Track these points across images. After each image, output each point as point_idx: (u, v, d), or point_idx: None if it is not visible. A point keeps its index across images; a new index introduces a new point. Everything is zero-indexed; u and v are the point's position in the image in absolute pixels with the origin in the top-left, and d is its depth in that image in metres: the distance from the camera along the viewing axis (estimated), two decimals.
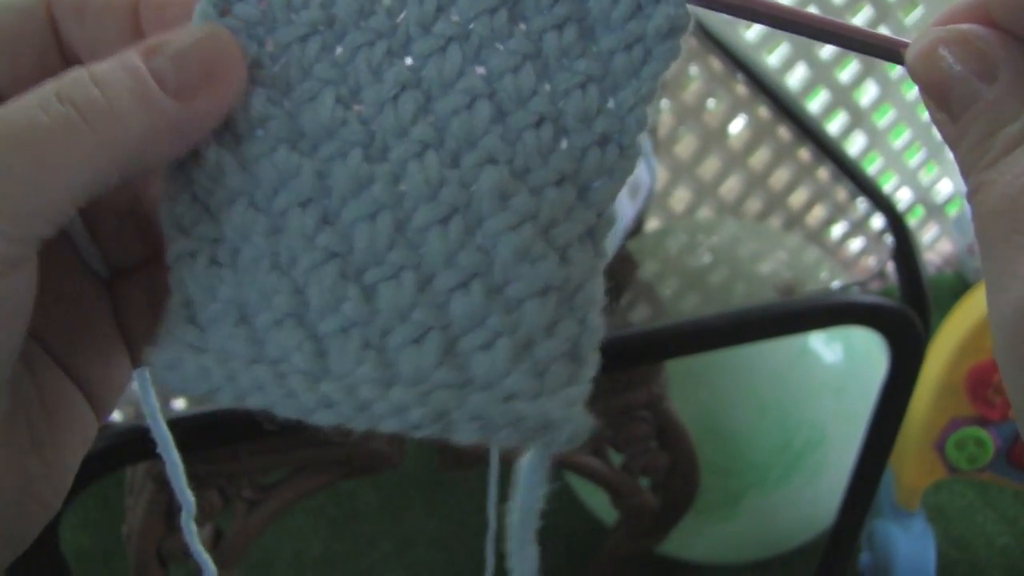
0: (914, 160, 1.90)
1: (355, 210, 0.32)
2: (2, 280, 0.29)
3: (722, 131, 1.30)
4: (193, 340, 0.32)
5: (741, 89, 1.33)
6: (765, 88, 1.29)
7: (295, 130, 0.33)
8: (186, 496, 0.39)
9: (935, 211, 2.02)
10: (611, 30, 0.33)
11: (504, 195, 0.32)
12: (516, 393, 0.30)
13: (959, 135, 0.30)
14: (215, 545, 0.99)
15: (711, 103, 1.34)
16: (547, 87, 0.33)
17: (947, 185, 1.98)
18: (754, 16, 0.33)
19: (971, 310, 1.28)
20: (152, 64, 0.31)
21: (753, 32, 1.53)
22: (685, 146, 1.25)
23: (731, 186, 1.27)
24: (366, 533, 1.51)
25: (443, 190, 0.32)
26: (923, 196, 1.97)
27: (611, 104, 0.33)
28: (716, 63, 1.35)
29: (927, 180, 1.95)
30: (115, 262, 0.37)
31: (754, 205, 1.26)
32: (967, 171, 0.29)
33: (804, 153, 1.26)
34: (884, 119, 1.78)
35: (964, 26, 0.30)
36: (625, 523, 1.17)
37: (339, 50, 0.33)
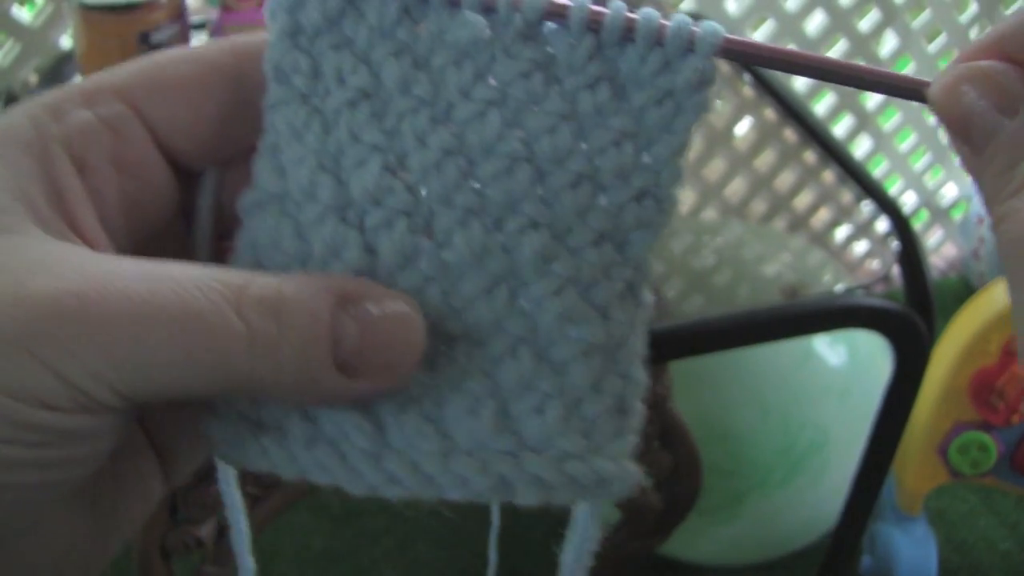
0: (920, 163, 1.89)
1: (403, 284, 0.32)
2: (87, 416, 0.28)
3: (728, 132, 1.30)
4: (250, 413, 0.32)
5: (747, 91, 1.33)
6: (771, 90, 1.29)
7: (345, 198, 0.33)
8: (246, 562, 0.38)
9: (940, 215, 2.01)
10: (641, 86, 0.33)
11: (546, 259, 0.33)
12: (569, 453, 0.32)
13: (983, 167, 0.30)
14: (218, 540, 1.00)
15: (717, 104, 1.33)
16: (583, 146, 0.33)
17: (952, 189, 1.98)
18: (785, 67, 0.34)
19: (975, 315, 1.27)
20: (339, 322, 0.30)
21: (761, 35, 1.53)
22: (691, 147, 1.25)
23: (736, 187, 1.27)
24: (368, 530, 1.51)
25: (487, 259, 0.32)
26: (928, 200, 1.97)
27: (646, 159, 0.34)
28: (723, 64, 1.35)
29: (933, 184, 1.94)
30: None
31: (759, 207, 1.26)
32: (991, 201, 0.30)
33: (810, 155, 1.26)
34: (890, 122, 1.78)
35: (985, 63, 0.30)
36: (627, 523, 1.17)
37: (386, 118, 0.34)
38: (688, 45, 0.33)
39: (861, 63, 0.34)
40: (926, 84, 0.32)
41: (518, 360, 0.32)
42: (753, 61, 0.34)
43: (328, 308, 0.30)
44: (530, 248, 0.32)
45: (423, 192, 0.33)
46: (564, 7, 0.33)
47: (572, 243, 0.33)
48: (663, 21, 0.33)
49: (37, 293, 0.27)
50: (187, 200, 0.36)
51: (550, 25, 0.34)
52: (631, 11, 0.33)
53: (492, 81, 0.34)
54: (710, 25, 0.33)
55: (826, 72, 0.34)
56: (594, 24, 0.33)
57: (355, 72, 0.34)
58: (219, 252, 0.36)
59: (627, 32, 0.33)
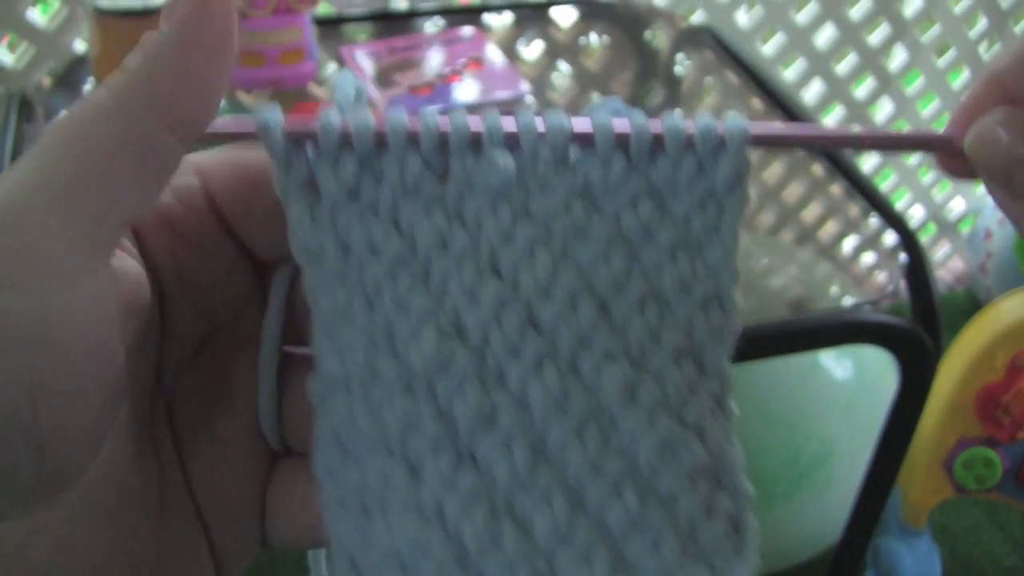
0: (927, 177, 1.90)
1: (488, 444, 0.31)
2: (80, 274, 0.28)
3: None
4: None
5: (757, 103, 1.33)
6: (780, 103, 1.30)
7: (407, 371, 0.31)
8: None
9: (947, 229, 2.01)
10: (680, 194, 0.33)
11: (630, 390, 0.31)
12: None
13: (1023, 212, 0.31)
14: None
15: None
16: (638, 266, 0.32)
17: (960, 203, 1.98)
18: (814, 146, 0.34)
19: (982, 330, 1.27)
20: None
21: (770, 47, 1.53)
22: None
23: None
24: None
25: (570, 402, 0.31)
26: (936, 213, 1.97)
27: (701, 265, 0.33)
28: (733, 77, 1.35)
29: (940, 197, 1.94)
30: (292, 443, 0.36)
31: (767, 219, 1.26)
32: None
33: (818, 168, 1.27)
34: None
35: (1018, 108, 0.31)
36: None
37: (430, 280, 0.32)
38: (719, 144, 0.32)
39: (891, 131, 0.34)
40: (958, 138, 0.32)
41: (624, 500, 0.30)
42: (784, 144, 0.33)
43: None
44: (612, 381, 0.31)
45: (487, 348, 0.31)
46: (588, 133, 0.32)
47: (652, 367, 0.32)
48: (689, 125, 0.32)
49: None
50: (263, 288, 0.36)
51: (575, 150, 0.33)
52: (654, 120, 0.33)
53: (533, 220, 0.32)
54: (734, 120, 0.32)
55: (858, 142, 0.34)
56: (622, 141, 0.32)
57: (386, 239, 0.32)
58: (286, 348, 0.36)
59: (656, 143, 0.32)
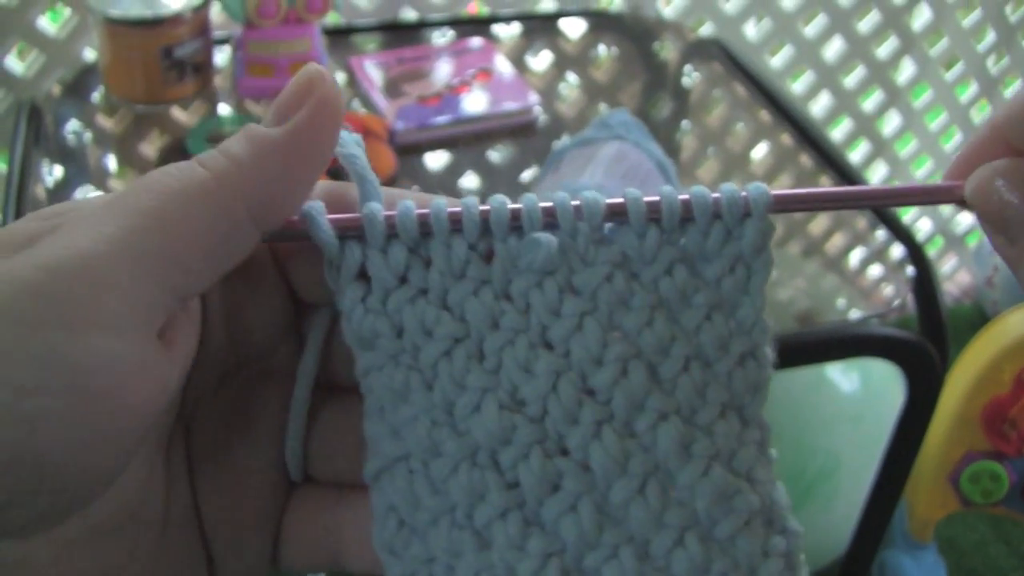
0: None
1: (555, 508, 0.33)
2: (142, 336, 0.29)
3: (745, 156, 1.30)
4: None
5: (765, 115, 1.33)
6: (788, 115, 1.30)
7: (470, 446, 0.33)
8: None
9: (954, 242, 2.01)
10: (711, 259, 0.34)
11: (685, 445, 0.33)
12: None
13: (1019, 257, 0.33)
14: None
15: (735, 128, 1.34)
16: (679, 329, 0.34)
17: (967, 216, 1.98)
18: (828, 206, 0.35)
19: (989, 343, 1.27)
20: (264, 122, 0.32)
21: (778, 59, 1.54)
22: (708, 170, 1.25)
23: None
24: None
25: (630, 462, 0.33)
26: (943, 227, 1.97)
27: (734, 324, 0.35)
28: (740, 89, 1.36)
29: (947, 211, 1.94)
30: (315, 474, 0.37)
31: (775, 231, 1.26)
32: None
33: (826, 181, 1.27)
34: (906, 149, 1.78)
35: (1016, 160, 0.33)
36: None
37: (485, 357, 0.34)
38: (744, 211, 0.34)
39: (896, 184, 0.37)
40: (959, 186, 0.34)
41: (687, 548, 0.33)
42: (803, 208, 0.35)
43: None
44: (667, 439, 0.33)
45: (547, 418, 0.33)
46: (622, 204, 0.34)
47: (701, 422, 0.34)
48: (715, 195, 0.34)
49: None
50: (297, 327, 0.36)
51: (609, 225, 0.34)
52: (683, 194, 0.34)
53: (578, 293, 0.34)
54: (756, 188, 0.34)
55: (866, 200, 0.36)
56: (654, 214, 0.34)
57: (439, 321, 0.33)
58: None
59: (686, 213, 0.34)
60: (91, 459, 0.28)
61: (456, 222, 0.33)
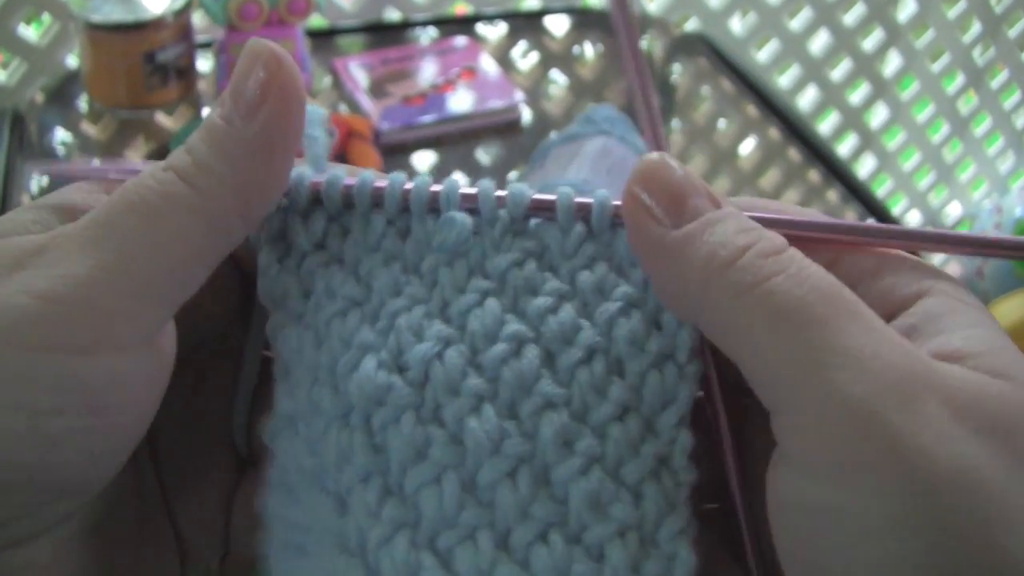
0: (924, 182, 1.90)
1: (418, 477, 0.31)
2: (145, 350, 0.30)
3: (732, 151, 1.30)
4: None
5: (752, 110, 1.33)
6: (775, 109, 1.30)
7: (345, 405, 0.32)
8: None
9: None
10: (638, 264, 0.33)
11: (567, 440, 0.31)
12: None
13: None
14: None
15: (722, 123, 1.34)
16: (588, 321, 0.33)
17: (957, 208, 1.98)
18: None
19: None
20: (220, 112, 0.31)
21: (764, 53, 1.53)
22: (695, 166, 1.25)
23: None
24: None
25: (505, 443, 0.31)
26: (932, 218, 1.97)
27: (655, 328, 0.33)
28: (727, 84, 1.35)
29: (937, 202, 1.94)
30: (257, 455, 0.37)
31: None
32: None
33: (814, 175, 1.26)
34: (894, 141, 1.78)
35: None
36: None
37: (379, 320, 0.33)
38: None
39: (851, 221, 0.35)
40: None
41: (550, 546, 0.30)
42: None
43: (212, 112, 0.32)
44: (549, 429, 0.31)
45: (427, 384, 0.32)
46: (550, 201, 0.34)
47: (594, 420, 0.32)
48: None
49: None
50: (250, 305, 0.37)
51: (535, 220, 0.34)
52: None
53: (486, 276, 0.33)
54: None
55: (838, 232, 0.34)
56: (582, 213, 0.34)
57: (343, 284, 0.33)
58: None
59: (616, 218, 0.33)
60: (103, 468, 0.30)
61: (378, 197, 0.34)
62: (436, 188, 0.34)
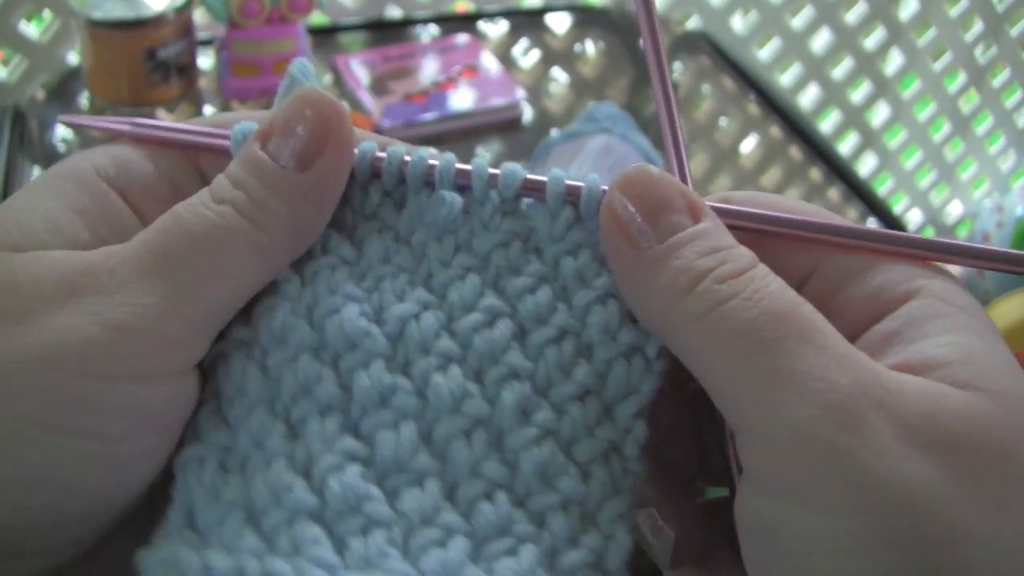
0: (925, 181, 1.89)
1: (377, 420, 0.33)
2: (193, 374, 0.32)
3: (734, 150, 1.30)
4: (192, 542, 0.32)
5: (753, 108, 1.33)
6: (777, 108, 1.30)
7: (317, 340, 0.34)
8: None
9: (945, 232, 2.01)
10: None
11: (526, 410, 0.33)
12: None
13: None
14: None
15: (723, 122, 1.34)
16: (565, 304, 0.34)
17: (958, 206, 1.98)
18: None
19: None
20: (268, 150, 0.33)
21: (766, 52, 1.53)
22: (697, 164, 1.25)
23: None
24: None
25: (466, 402, 0.33)
26: (934, 217, 1.97)
27: (635, 318, 0.34)
28: (729, 82, 1.35)
29: (938, 201, 1.94)
30: None
31: None
32: None
33: (815, 173, 1.26)
34: (895, 140, 1.78)
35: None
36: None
37: (365, 280, 0.35)
38: None
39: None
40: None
41: (495, 504, 0.32)
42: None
43: (255, 146, 0.33)
44: (511, 397, 0.33)
45: (400, 339, 0.34)
46: (541, 183, 0.35)
47: (555, 397, 0.33)
48: None
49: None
50: None
51: (527, 200, 0.36)
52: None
53: (472, 253, 0.35)
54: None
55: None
56: (571, 197, 0.35)
57: (338, 246, 0.35)
58: None
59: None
60: (146, 484, 0.32)
61: (377, 168, 0.35)
62: (434, 163, 0.35)
